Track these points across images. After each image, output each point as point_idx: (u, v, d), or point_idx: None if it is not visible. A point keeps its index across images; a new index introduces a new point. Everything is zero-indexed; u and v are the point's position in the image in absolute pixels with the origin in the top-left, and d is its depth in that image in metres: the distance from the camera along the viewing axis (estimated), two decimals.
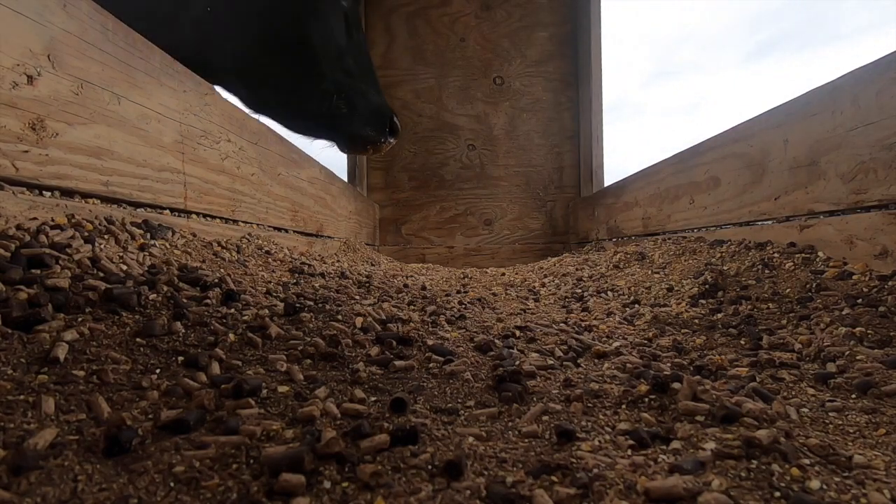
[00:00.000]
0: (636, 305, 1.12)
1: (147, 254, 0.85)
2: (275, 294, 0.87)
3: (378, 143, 2.00)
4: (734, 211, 1.47)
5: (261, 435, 0.41)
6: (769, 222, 1.34)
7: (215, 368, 0.54)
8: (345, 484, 0.36)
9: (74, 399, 0.43)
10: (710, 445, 0.42)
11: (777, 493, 0.36)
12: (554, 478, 0.38)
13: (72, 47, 0.80)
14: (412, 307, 0.97)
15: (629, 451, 0.43)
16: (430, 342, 0.73)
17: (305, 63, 1.94)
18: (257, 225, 1.47)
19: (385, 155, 2.96)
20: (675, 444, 0.44)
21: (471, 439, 0.44)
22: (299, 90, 1.95)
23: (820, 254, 1.10)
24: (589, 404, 0.53)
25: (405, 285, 1.24)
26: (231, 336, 0.63)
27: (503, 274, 1.81)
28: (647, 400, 0.53)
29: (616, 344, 0.79)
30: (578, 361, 0.71)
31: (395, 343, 0.71)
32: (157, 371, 0.52)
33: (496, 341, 0.77)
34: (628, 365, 0.67)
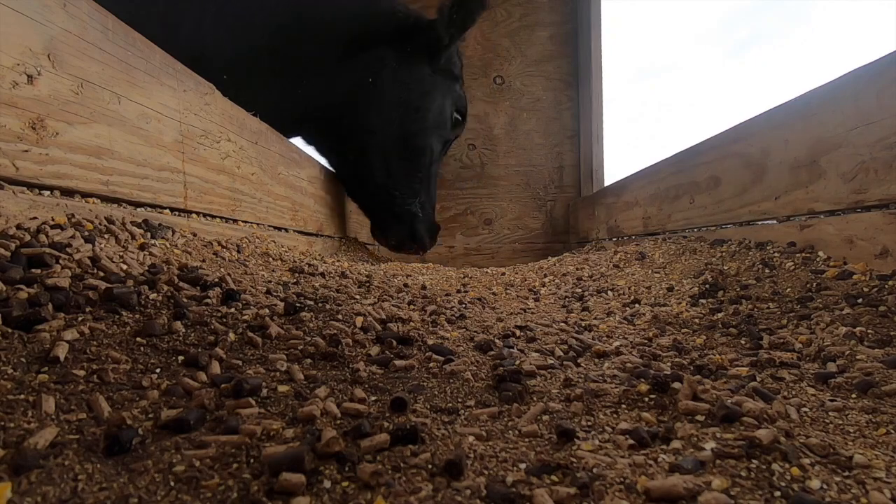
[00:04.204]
0: (636, 305, 1.12)
1: (147, 253, 0.85)
2: (275, 293, 0.87)
3: (423, 248, 2.39)
4: (734, 210, 1.47)
5: (261, 434, 0.41)
6: (769, 222, 1.34)
7: (215, 368, 0.54)
8: (345, 483, 0.36)
9: (75, 398, 0.43)
10: (711, 445, 0.42)
11: (777, 493, 0.36)
12: (554, 477, 0.38)
13: (72, 47, 0.80)
14: (412, 307, 0.97)
15: (629, 451, 0.43)
16: (430, 342, 0.73)
17: (404, 158, 2.26)
18: (257, 224, 1.47)
19: None
20: (676, 444, 0.43)
21: (471, 439, 0.44)
22: (387, 176, 2.26)
23: (820, 253, 1.10)
24: (589, 404, 0.53)
25: (405, 285, 1.24)
26: (231, 335, 0.63)
27: (503, 273, 1.81)
28: (647, 399, 0.53)
29: (616, 343, 0.79)
30: (578, 361, 0.71)
31: (395, 342, 0.71)
32: (158, 370, 0.52)
33: (496, 341, 0.77)
34: (628, 364, 0.67)
